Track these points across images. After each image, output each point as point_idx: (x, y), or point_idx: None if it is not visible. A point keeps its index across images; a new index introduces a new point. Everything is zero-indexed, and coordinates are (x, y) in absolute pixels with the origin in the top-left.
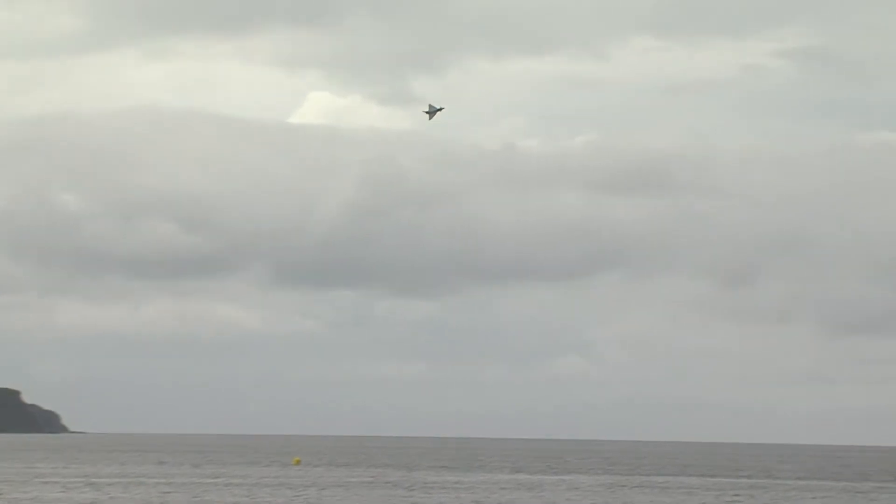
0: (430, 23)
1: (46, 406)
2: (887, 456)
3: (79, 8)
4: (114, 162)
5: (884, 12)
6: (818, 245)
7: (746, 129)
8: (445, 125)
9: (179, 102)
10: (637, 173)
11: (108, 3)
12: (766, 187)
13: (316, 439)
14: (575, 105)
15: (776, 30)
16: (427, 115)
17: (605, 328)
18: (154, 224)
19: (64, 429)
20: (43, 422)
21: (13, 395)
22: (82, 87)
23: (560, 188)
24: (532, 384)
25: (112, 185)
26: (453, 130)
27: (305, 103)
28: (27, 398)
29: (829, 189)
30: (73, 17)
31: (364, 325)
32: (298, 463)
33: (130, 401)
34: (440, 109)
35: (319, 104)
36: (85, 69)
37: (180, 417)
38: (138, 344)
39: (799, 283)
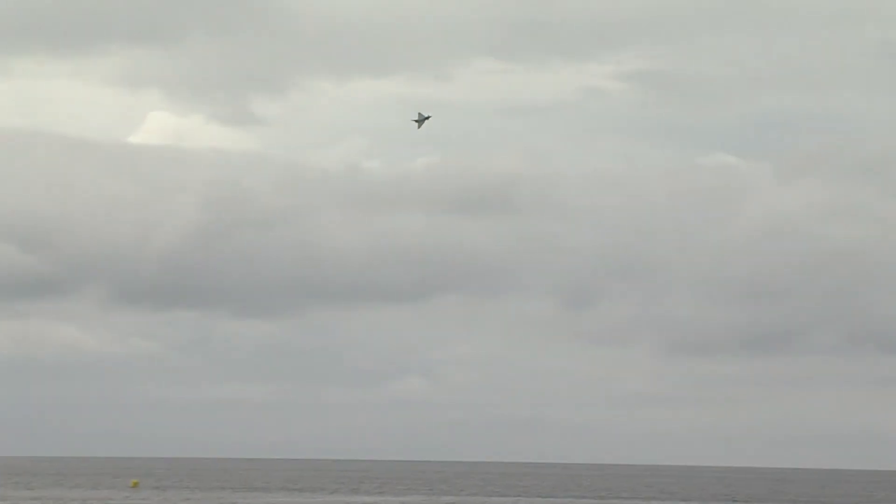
0: (272, 43)
1: None
2: (712, 475)
3: None
4: None
5: (721, 36)
6: (657, 267)
7: (587, 152)
8: (287, 146)
9: (17, 122)
10: (479, 195)
11: None
12: (607, 209)
13: (155, 461)
14: (417, 126)
15: (615, 53)
16: (416, 124)
17: (447, 349)
18: None
19: None
20: None
21: None
22: None
23: (403, 209)
24: (373, 405)
25: None
26: (295, 152)
27: (145, 123)
28: None
29: (668, 211)
30: None
31: (204, 346)
32: (137, 485)
33: None
34: (428, 118)
35: (159, 124)
36: None
37: (18, 439)
38: None
39: (638, 304)
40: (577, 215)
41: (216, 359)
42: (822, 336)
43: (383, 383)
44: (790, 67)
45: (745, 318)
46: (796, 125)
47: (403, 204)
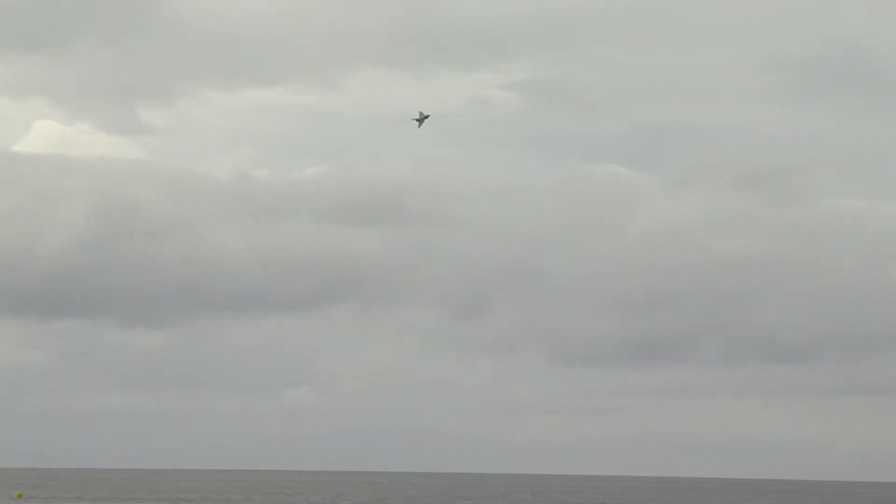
0: (160, 51)
1: None
2: (596, 484)
3: None
4: None
5: (609, 47)
6: (547, 276)
7: (476, 161)
8: (176, 155)
9: None
10: (369, 204)
11: None
12: (498, 219)
13: (40, 472)
14: (306, 135)
15: (503, 63)
16: (416, 123)
17: (338, 359)
18: None
19: None
20: None
21: None
22: None
23: (292, 218)
24: (262, 415)
25: None
26: (185, 160)
27: (31, 131)
28: None
29: (559, 221)
30: None
31: (91, 355)
32: (21, 497)
33: None
34: (427, 117)
35: (46, 132)
36: None
37: None
38: None
39: (528, 313)
40: (467, 225)
41: (103, 368)
42: (707, 345)
43: (273, 393)
44: (677, 79)
45: (633, 327)
46: (684, 136)
47: (293, 213)
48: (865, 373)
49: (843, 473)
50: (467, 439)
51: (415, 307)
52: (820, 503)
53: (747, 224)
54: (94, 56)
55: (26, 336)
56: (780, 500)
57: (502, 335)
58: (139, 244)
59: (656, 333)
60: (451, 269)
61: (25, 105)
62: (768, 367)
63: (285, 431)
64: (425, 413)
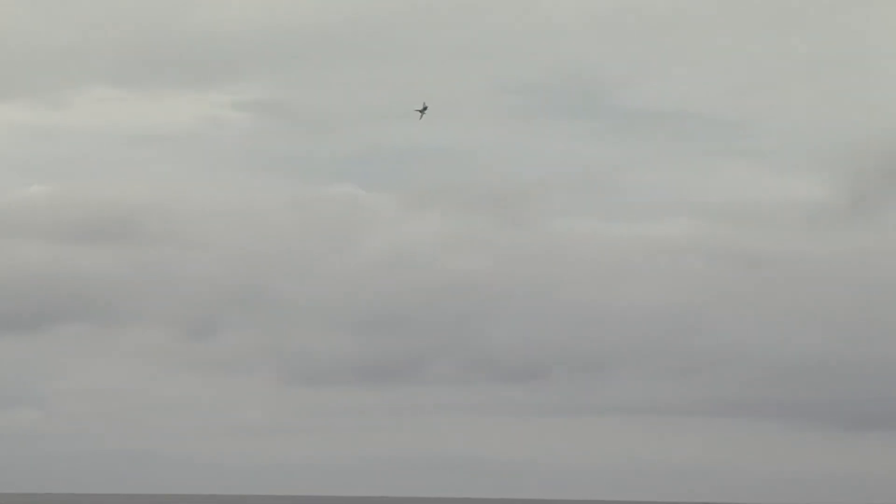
0: None
1: None
2: None
3: None
4: None
5: (344, 67)
6: (280, 296)
7: (208, 181)
8: None
9: None
10: (99, 223)
11: None
12: (231, 239)
13: None
14: (33, 154)
15: (234, 82)
16: (419, 114)
17: (65, 380)
18: None
19: None
20: None
21: None
22: None
23: (19, 238)
24: None
25: None
26: None
27: None
28: None
29: (290, 241)
30: None
31: None
32: None
33: None
34: (426, 109)
35: None
36: None
37: None
38: None
39: (260, 334)
40: (200, 245)
41: None
42: (438, 365)
43: None
44: (412, 100)
45: (367, 347)
46: (420, 157)
47: (19, 232)
48: (591, 392)
49: (570, 492)
50: (192, 461)
51: (145, 327)
52: None
53: (480, 245)
54: None
55: None
56: None
57: (233, 356)
58: None
59: (388, 353)
60: (184, 290)
61: None
62: (498, 386)
63: (6, 453)
64: (151, 434)
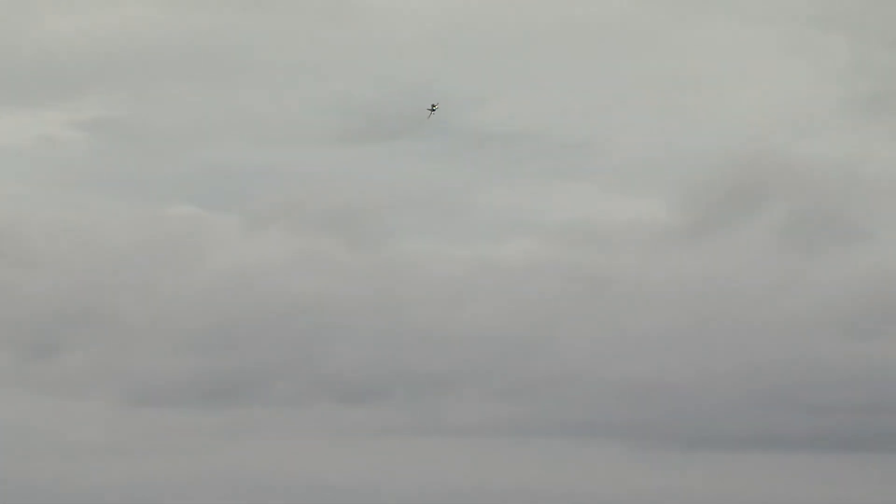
0: None
1: None
2: None
3: None
4: None
5: (182, 86)
6: (121, 317)
7: (47, 200)
8: None
9: None
10: None
11: None
12: (70, 260)
13: None
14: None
15: (71, 100)
16: (428, 112)
17: None
18: None
19: None
20: None
21: None
22: None
23: None
24: None
25: None
26: None
27: None
28: None
29: (131, 261)
30: None
31: None
32: None
33: None
34: (433, 108)
35: None
36: None
37: None
38: None
39: (100, 354)
40: (38, 264)
41: None
42: (282, 386)
43: None
44: (253, 119)
45: (209, 368)
46: (262, 177)
47: None
48: (434, 413)
49: None
50: (30, 483)
51: None
52: None
53: (324, 265)
54: None
55: None
56: None
57: (73, 376)
58: None
59: (230, 374)
60: (20, 309)
61: None
62: (341, 407)
63: None
64: None
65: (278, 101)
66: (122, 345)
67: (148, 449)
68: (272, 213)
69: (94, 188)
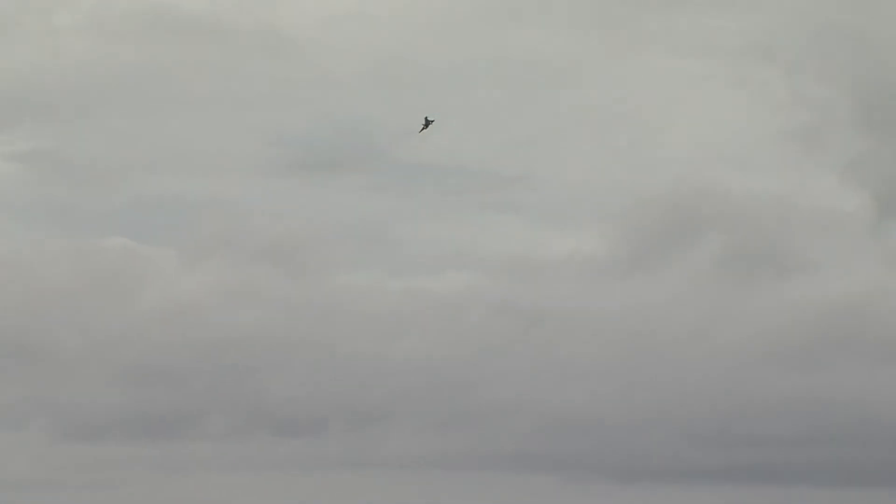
0: None
1: None
2: None
3: None
4: None
5: (115, 118)
6: (53, 350)
7: None
8: None
9: None
10: None
11: None
12: (3, 291)
13: None
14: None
15: (3, 133)
16: (424, 127)
17: None
18: None
19: None
20: None
21: None
22: None
23: None
24: None
25: None
26: None
27: None
28: None
29: (64, 294)
30: None
31: None
32: None
33: None
34: (427, 124)
35: None
36: None
37: None
38: None
39: (30, 387)
40: None
41: None
42: (216, 420)
43: None
44: (186, 151)
45: (142, 401)
46: (197, 209)
47: None
48: (370, 446)
49: None
50: None
51: None
52: None
53: (260, 298)
54: None
55: None
56: None
57: (4, 411)
58: None
59: (164, 407)
60: None
61: None
62: (276, 440)
63: None
64: None
65: (213, 132)
66: (56, 378)
67: (81, 484)
68: (207, 246)
69: (26, 221)
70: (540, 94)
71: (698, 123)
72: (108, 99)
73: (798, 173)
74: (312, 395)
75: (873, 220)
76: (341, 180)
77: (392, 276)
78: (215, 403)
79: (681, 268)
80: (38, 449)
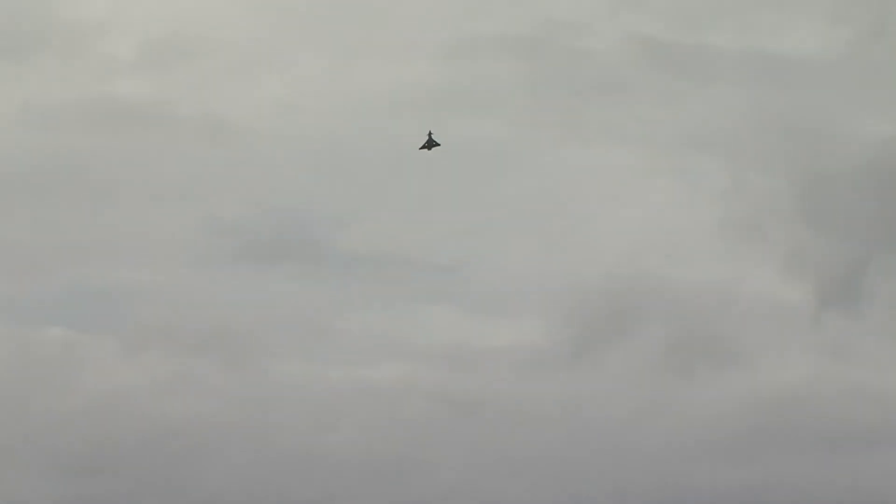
0: None
1: None
2: None
3: None
4: None
5: (50, 207)
6: None
7: None
8: None
9: None
10: None
11: None
12: None
13: None
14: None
15: None
16: (428, 144)
17: None
18: None
19: None
20: None
21: None
22: None
23: None
24: None
25: None
26: None
27: None
28: None
29: (2, 384)
30: None
31: None
32: None
33: None
34: (430, 143)
35: None
36: None
37: None
38: None
39: None
40: None
41: None
42: None
43: None
44: (121, 240)
45: (81, 491)
46: (135, 299)
47: None
48: None
49: None
50: None
51: None
52: None
53: (198, 388)
54: None
55: None
56: None
57: None
58: None
59: (102, 497)
60: None
61: None
62: None
63: None
64: None
65: (149, 221)
66: None
67: None
68: (145, 335)
69: None
70: (475, 182)
71: (637, 213)
72: (45, 187)
73: (739, 264)
74: (248, 486)
75: (814, 310)
76: (279, 269)
77: (328, 366)
78: (152, 494)
79: (618, 359)
80: None
